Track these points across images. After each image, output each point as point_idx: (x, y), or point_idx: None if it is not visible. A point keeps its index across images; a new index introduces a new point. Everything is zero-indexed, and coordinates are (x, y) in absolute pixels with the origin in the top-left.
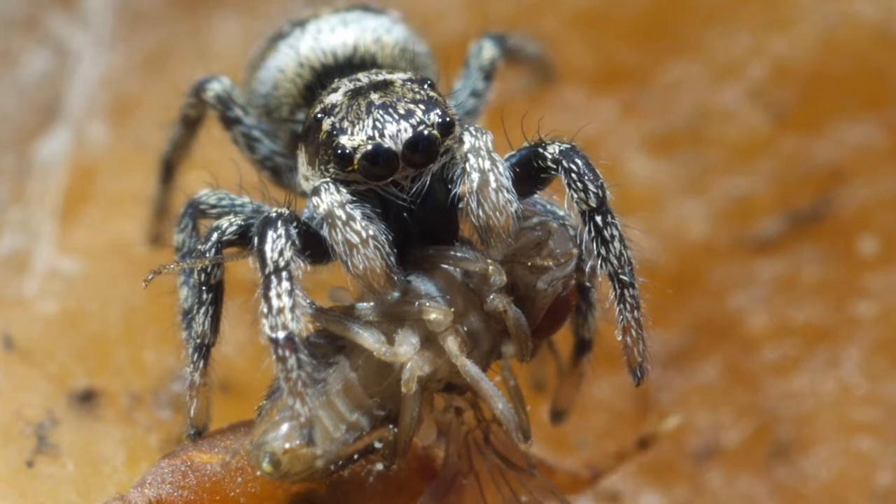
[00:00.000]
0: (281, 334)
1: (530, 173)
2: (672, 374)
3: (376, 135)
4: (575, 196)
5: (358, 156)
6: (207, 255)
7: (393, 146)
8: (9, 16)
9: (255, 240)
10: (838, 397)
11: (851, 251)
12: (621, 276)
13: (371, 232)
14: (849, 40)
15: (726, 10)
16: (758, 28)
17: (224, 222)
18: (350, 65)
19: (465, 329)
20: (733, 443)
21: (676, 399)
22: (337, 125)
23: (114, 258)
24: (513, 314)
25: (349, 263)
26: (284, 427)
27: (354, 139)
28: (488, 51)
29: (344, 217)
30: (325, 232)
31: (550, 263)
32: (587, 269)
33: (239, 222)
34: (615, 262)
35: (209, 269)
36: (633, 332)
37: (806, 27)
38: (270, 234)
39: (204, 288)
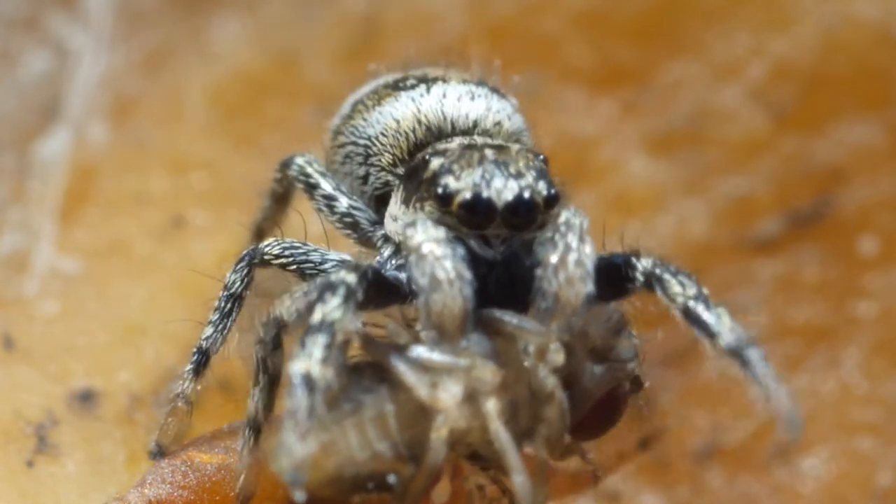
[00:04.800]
0: (301, 371)
1: (611, 277)
2: (672, 374)
3: (483, 184)
4: (673, 291)
5: (458, 199)
6: (266, 343)
7: (495, 199)
8: (9, 16)
9: (314, 293)
10: (838, 397)
11: (851, 251)
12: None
13: (462, 274)
14: (849, 40)
15: (726, 10)
16: (758, 28)
17: (284, 311)
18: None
19: (508, 399)
20: (733, 443)
21: (676, 399)
22: (446, 165)
23: (114, 258)
24: (559, 397)
25: (428, 298)
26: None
27: (459, 182)
28: None
29: (440, 252)
30: (410, 265)
31: (618, 351)
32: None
33: (298, 307)
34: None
35: (266, 355)
36: (773, 386)
37: (806, 27)
38: (328, 297)
39: (261, 372)
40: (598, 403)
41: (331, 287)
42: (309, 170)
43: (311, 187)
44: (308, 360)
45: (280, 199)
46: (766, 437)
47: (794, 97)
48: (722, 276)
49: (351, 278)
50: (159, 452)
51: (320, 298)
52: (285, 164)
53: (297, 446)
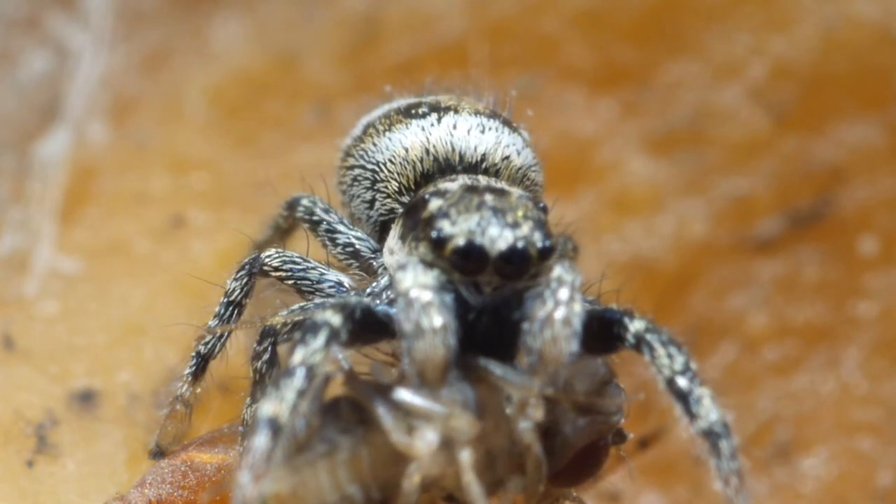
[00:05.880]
0: (269, 414)
1: (602, 331)
2: None
3: (478, 231)
4: (660, 362)
5: (451, 245)
6: (262, 357)
7: (488, 248)
8: (9, 16)
9: (299, 334)
10: (838, 397)
11: (851, 251)
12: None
13: (447, 324)
14: (849, 40)
15: (726, 10)
16: (758, 28)
17: (279, 323)
18: (472, 170)
19: (486, 449)
20: None
21: None
22: (444, 208)
23: (114, 258)
24: (535, 451)
25: (411, 346)
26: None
27: (455, 228)
28: None
29: (425, 300)
30: (397, 308)
31: (603, 405)
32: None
33: (294, 319)
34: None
35: (264, 370)
36: (734, 485)
37: (806, 27)
38: (309, 339)
39: (259, 391)
40: (580, 454)
41: (314, 329)
42: (314, 209)
43: (315, 224)
44: (279, 404)
45: (283, 231)
46: (765, 438)
47: (794, 97)
48: (722, 276)
49: (336, 320)
50: (159, 452)
51: (302, 339)
52: (291, 206)
53: (249, 487)
